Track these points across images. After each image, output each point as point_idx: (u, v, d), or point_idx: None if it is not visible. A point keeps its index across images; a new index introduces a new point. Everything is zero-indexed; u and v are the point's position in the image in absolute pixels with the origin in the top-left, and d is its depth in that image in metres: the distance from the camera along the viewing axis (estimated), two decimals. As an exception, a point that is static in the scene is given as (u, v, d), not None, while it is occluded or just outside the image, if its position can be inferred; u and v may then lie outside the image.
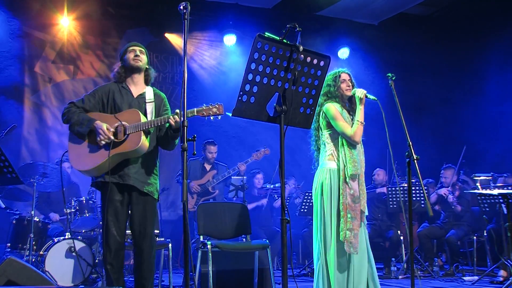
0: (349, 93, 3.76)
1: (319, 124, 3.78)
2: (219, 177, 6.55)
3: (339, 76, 3.78)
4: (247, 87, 2.58)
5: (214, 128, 7.58)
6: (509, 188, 5.55)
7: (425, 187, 6.75)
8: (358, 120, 3.65)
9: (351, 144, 3.66)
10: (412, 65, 8.52)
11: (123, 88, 3.54)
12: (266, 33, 2.58)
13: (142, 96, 3.55)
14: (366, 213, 3.70)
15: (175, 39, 8.17)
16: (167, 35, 8.13)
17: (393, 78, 3.50)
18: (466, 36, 8.13)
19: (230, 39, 8.17)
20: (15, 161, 6.73)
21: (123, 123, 3.37)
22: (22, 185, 5.17)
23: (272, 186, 7.07)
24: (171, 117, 3.29)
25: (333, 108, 3.70)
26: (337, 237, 3.56)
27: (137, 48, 3.55)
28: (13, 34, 7.18)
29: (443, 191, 6.58)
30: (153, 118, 3.47)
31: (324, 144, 3.75)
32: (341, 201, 3.59)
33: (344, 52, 8.79)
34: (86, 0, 7.42)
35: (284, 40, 2.62)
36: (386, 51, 8.53)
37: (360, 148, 3.74)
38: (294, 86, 2.70)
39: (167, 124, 3.36)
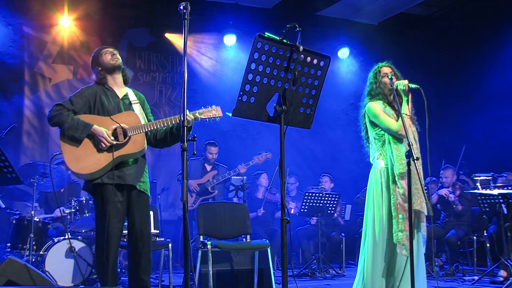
0: (393, 86, 3.55)
1: (366, 126, 3.69)
2: (219, 178, 6.57)
3: (379, 71, 3.66)
4: (247, 87, 2.58)
5: (214, 129, 7.60)
6: (509, 188, 5.54)
7: (426, 187, 6.74)
8: (404, 113, 3.47)
9: (398, 140, 3.50)
10: (412, 65, 8.52)
11: (107, 89, 3.58)
12: (266, 33, 2.58)
13: (126, 97, 3.60)
14: (426, 212, 3.48)
15: (175, 39, 8.17)
16: (167, 35, 8.13)
17: (393, 78, 3.49)
18: (466, 36, 8.12)
19: (230, 39, 8.17)
20: (15, 161, 6.73)
21: (122, 125, 3.40)
22: (22, 185, 5.17)
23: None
24: (188, 116, 3.34)
25: (374, 106, 3.58)
26: (388, 240, 3.43)
27: (110, 49, 3.64)
28: (13, 34, 7.17)
29: (443, 191, 6.58)
30: (143, 119, 3.53)
31: (373, 144, 3.65)
32: (392, 201, 3.44)
33: (344, 52, 8.80)
34: (86, 0, 7.41)
35: (284, 40, 2.62)
36: (386, 51, 8.52)
37: (412, 142, 3.47)
38: (294, 86, 2.70)
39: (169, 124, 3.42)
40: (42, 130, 7.39)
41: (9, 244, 5.17)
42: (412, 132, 3.57)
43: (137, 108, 3.57)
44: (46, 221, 5.51)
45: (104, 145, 3.34)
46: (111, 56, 3.58)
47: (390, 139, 3.52)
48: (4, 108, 6.99)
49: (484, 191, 5.79)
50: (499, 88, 7.51)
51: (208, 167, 6.69)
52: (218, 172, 6.66)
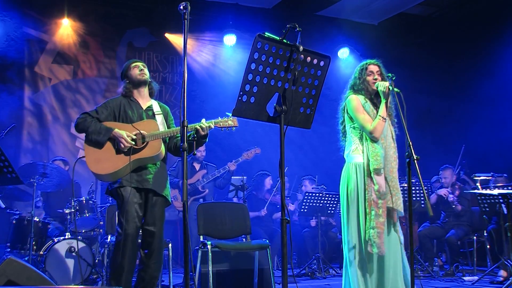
0: (374, 87, 3.55)
1: (344, 118, 3.64)
2: (209, 177, 6.57)
3: (366, 68, 3.61)
4: (247, 87, 2.58)
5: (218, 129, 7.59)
6: (509, 188, 5.55)
7: (426, 187, 6.74)
8: (379, 115, 3.46)
9: (373, 139, 3.47)
10: (412, 65, 8.52)
11: (132, 101, 3.75)
12: (266, 33, 2.58)
13: (150, 108, 3.78)
14: (401, 212, 3.46)
15: (175, 39, 8.17)
16: (167, 35, 8.13)
17: (393, 78, 3.46)
18: (465, 36, 8.12)
19: (230, 39, 8.17)
20: (15, 161, 6.73)
21: (142, 131, 3.58)
22: (22, 185, 5.17)
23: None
24: (202, 124, 3.49)
25: (354, 100, 3.55)
26: (359, 236, 3.40)
27: (139, 64, 3.79)
28: (14, 34, 7.17)
29: (443, 191, 6.58)
30: (164, 128, 3.70)
31: (349, 138, 3.60)
32: (366, 197, 3.41)
33: (344, 52, 8.80)
34: (86, 0, 7.42)
35: (284, 40, 2.62)
36: (386, 51, 8.52)
37: (390, 142, 3.52)
38: (294, 86, 2.70)
39: (192, 131, 3.54)
40: (42, 130, 7.39)
41: (9, 244, 5.17)
42: (391, 132, 3.56)
43: (159, 118, 3.73)
44: (46, 221, 5.51)
45: (122, 146, 3.51)
46: (139, 71, 3.75)
47: (366, 135, 3.51)
48: (4, 108, 6.99)
49: (484, 191, 5.79)
50: (499, 88, 7.50)
51: (197, 166, 6.69)
52: (207, 171, 6.67)
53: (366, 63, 3.65)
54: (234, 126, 3.64)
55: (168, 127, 3.75)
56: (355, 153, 3.53)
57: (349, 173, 3.52)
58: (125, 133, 3.53)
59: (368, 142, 3.48)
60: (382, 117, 3.46)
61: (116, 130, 3.54)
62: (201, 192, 6.58)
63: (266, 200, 6.96)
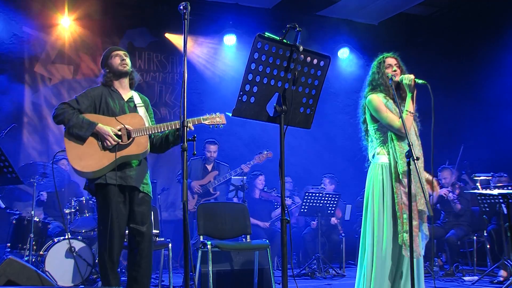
0: (396, 79, 3.36)
1: (365, 118, 3.48)
2: (221, 179, 6.55)
3: (384, 61, 3.47)
4: (247, 87, 2.58)
5: (218, 129, 7.59)
6: (509, 188, 5.55)
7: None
8: (407, 110, 3.28)
9: (401, 137, 3.30)
10: (412, 65, 8.51)
11: (113, 91, 3.60)
12: (266, 33, 2.58)
13: (131, 99, 3.63)
14: (428, 212, 3.30)
15: (175, 39, 8.17)
16: (167, 35, 8.13)
17: (393, 78, 3.45)
18: (465, 36, 8.12)
19: (230, 39, 8.17)
20: (15, 161, 6.73)
21: (127, 126, 3.44)
22: (22, 185, 5.17)
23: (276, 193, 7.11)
24: (190, 122, 3.37)
25: (375, 99, 3.37)
26: (393, 241, 3.25)
27: (121, 53, 3.64)
28: (14, 34, 7.17)
29: (443, 191, 6.58)
30: (148, 122, 3.56)
31: (373, 139, 3.44)
32: (396, 201, 3.25)
33: (344, 52, 8.80)
34: (86, 0, 7.41)
35: (284, 40, 2.62)
36: (386, 51, 8.49)
37: (415, 139, 3.38)
38: (294, 86, 2.69)
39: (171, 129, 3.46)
40: (42, 130, 7.38)
41: (9, 244, 5.17)
42: (414, 129, 3.43)
43: (141, 111, 3.60)
44: (46, 221, 5.51)
45: (109, 143, 3.36)
46: (120, 61, 3.59)
47: (392, 136, 3.34)
48: (4, 107, 6.99)
49: (484, 191, 5.79)
50: (499, 88, 7.50)
51: (209, 167, 6.68)
52: (219, 172, 6.65)
53: (383, 57, 3.51)
54: (222, 124, 3.56)
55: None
56: (380, 154, 3.39)
57: (376, 175, 3.37)
58: (110, 129, 3.39)
59: (395, 143, 3.31)
60: (410, 112, 3.29)
61: (100, 125, 3.38)
62: (212, 194, 6.55)
63: (258, 199, 6.97)
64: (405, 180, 3.21)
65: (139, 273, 3.45)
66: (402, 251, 3.22)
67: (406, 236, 3.17)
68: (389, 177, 3.31)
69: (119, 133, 3.42)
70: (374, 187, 3.36)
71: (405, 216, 3.20)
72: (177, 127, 3.47)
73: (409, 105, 3.31)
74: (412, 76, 3.28)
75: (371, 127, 3.46)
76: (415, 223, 3.19)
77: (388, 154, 3.34)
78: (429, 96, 3.18)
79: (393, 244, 3.27)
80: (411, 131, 3.33)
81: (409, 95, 3.33)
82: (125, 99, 3.61)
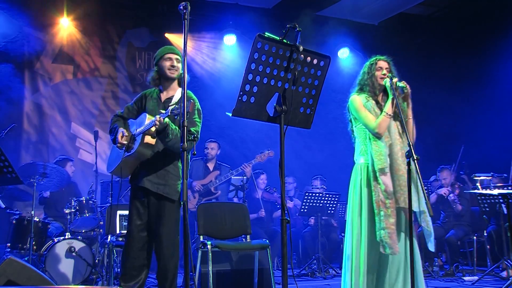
0: (382, 82, 3.47)
1: (350, 118, 3.60)
2: (222, 178, 6.55)
3: (376, 63, 3.53)
4: (247, 87, 2.58)
5: (218, 129, 7.64)
6: (509, 188, 5.55)
7: (426, 187, 6.74)
8: (385, 111, 3.36)
9: (377, 136, 3.39)
10: (412, 65, 8.52)
11: (156, 92, 3.63)
12: (266, 33, 2.58)
13: (169, 100, 3.54)
14: (415, 209, 3.30)
15: (175, 39, 8.16)
16: (167, 35, 8.13)
17: (393, 78, 3.48)
18: (465, 36, 8.12)
19: (230, 39, 8.17)
20: (15, 161, 6.73)
21: (137, 128, 3.53)
22: (22, 185, 5.17)
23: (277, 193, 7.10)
24: (156, 119, 3.24)
25: (356, 99, 3.51)
26: (370, 238, 3.33)
27: (173, 57, 3.52)
28: (13, 34, 7.17)
29: (443, 190, 6.58)
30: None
31: (356, 139, 3.55)
32: (373, 198, 3.33)
33: (344, 52, 8.80)
34: (86, 0, 7.41)
35: (284, 40, 2.62)
36: (386, 51, 8.48)
37: (396, 138, 3.41)
38: (294, 86, 2.69)
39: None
40: (42, 130, 7.39)
41: (9, 244, 5.17)
42: (397, 128, 3.46)
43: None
44: (46, 221, 5.51)
45: (119, 145, 3.49)
46: (170, 66, 3.50)
47: (369, 135, 3.43)
48: (4, 108, 6.99)
49: (484, 191, 5.79)
50: (499, 88, 7.50)
51: (211, 166, 6.68)
52: (220, 172, 6.65)
53: (376, 59, 3.56)
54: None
55: (190, 119, 3.41)
56: (361, 154, 3.50)
57: (356, 176, 3.48)
58: (121, 131, 3.49)
59: (371, 142, 3.40)
60: (387, 114, 3.36)
61: (120, 128, 3.53)
62: (213, 193, 6.55)
63: (259, 199, 6.97)
64: (381, 178, 3.30)
65: (158, 276, 3.51)
66: (379, 248, 3.27)
67: (383, 232, 3.25)
68: (366, 176, 3.41)
69: (126, 134, 3.50)
70: (354, 187, 3.49)
71: (382, 213, 3.28)
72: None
73: (388, 107, 3.39)
74: (394, 79, 3.37)
75: (354, 128, 3.58)
76: (392, 220, 3.27)
77: (366, 153, 3.44)
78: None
79: (372, 242, 3.33)
80: (391, 131, 3.43)
81: (389, 97, 3.40)
82: (162, 100, 3.56)
